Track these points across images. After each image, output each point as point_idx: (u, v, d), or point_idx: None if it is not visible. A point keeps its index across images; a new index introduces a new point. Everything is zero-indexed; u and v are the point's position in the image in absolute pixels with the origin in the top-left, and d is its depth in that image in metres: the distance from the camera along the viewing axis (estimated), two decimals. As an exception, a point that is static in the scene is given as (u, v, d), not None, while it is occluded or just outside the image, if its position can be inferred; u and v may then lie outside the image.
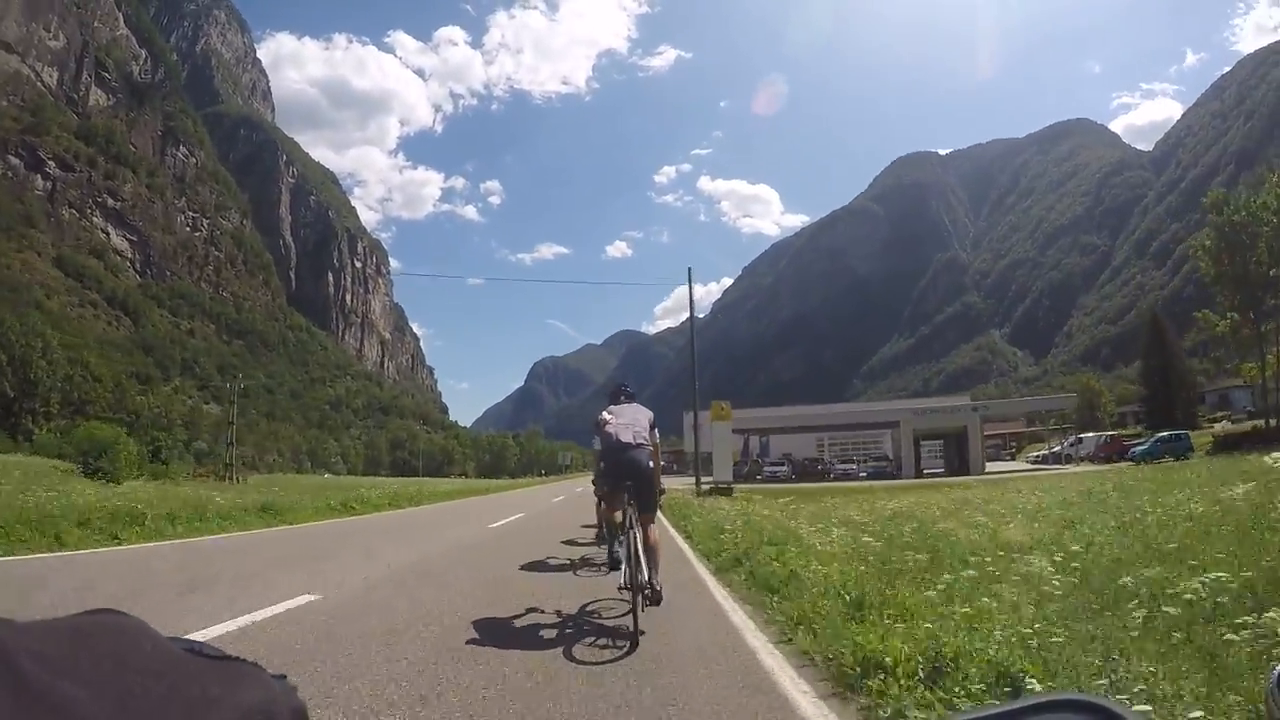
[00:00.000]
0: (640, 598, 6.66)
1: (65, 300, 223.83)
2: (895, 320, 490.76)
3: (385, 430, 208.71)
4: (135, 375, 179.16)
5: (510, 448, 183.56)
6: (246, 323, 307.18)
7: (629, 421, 7.74)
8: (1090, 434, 73.71)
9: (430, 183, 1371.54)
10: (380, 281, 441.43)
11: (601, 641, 6.52)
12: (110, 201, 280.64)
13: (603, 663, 5.84)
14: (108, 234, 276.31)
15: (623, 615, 7.23)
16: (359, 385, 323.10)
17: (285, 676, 0.75)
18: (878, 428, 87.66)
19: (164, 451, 58.33)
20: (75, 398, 72.62)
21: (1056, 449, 75.01)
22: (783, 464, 77.61)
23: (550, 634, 6.88)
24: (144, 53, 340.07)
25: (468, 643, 6.40)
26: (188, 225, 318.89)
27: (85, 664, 0.57)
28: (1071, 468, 57.20)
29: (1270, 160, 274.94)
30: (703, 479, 41.69)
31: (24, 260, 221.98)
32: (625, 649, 6.20)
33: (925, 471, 69.78)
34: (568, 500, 36.57)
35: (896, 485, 43.50)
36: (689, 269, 42.04)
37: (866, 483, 52.87)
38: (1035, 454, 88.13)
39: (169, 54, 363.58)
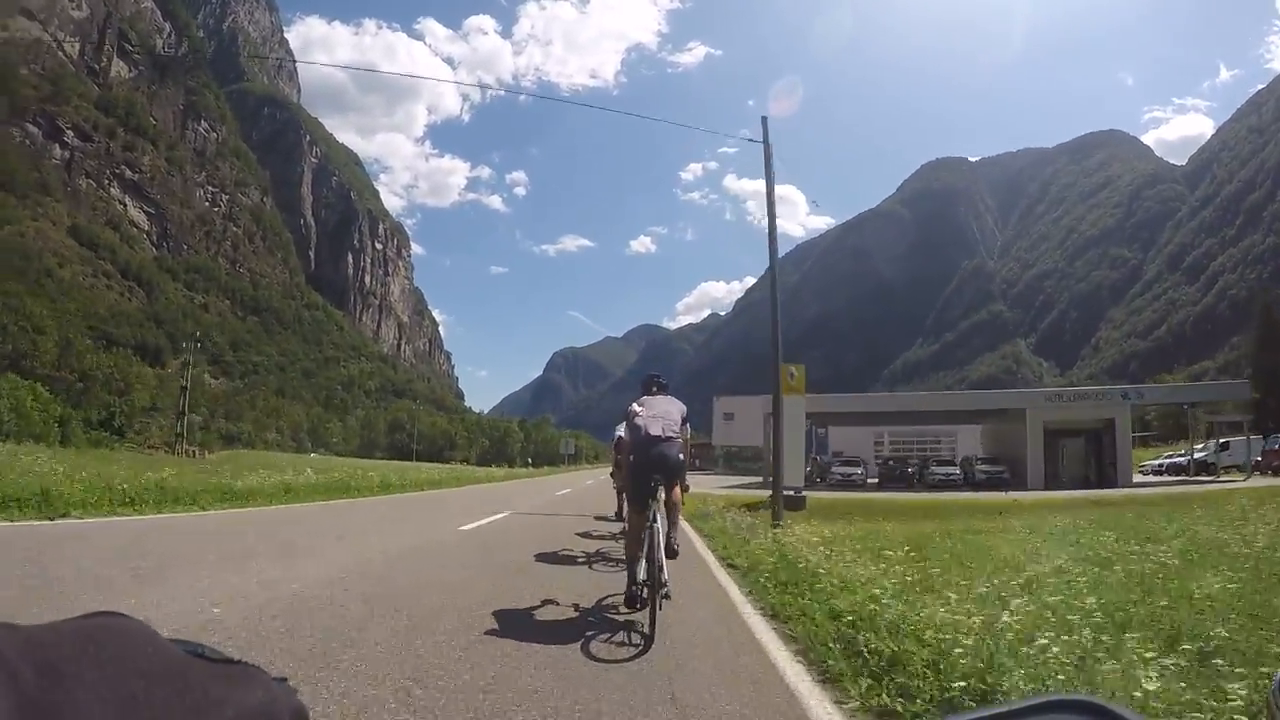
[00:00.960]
0: (658, 598, 6.49)
1: (78, 270, 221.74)
2: (919, 325, 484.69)
3: (385, 410, 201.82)
4: (142, 347, 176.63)
5: (514, 433, 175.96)
6: (262, 299, 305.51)
7: (660, 414, 7.51)
8: (1248, 438, 54.46)
9: (456, 171, 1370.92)
10: (400, 264, 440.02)
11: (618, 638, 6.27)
12: (128, 173, 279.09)
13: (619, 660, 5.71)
14: (125, 205, 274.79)
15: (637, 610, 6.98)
16: (373, 367, 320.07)
17: (286, 679, 0.74)
18: (962, 421, 69.60)
19: (118, 418, 53.83)
20: (9, 350, 66.36)
21: (1183, 456, 59.02)
22: (858, 464, 58.31)
23: (567, 630, 6.53)
24: (168, 26, 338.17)
25: None
26: (206, 200, 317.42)
27: (88, 667, 0.57)
28: (1233, 480, 43.19)
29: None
30: (738, 480, 34.28)
31: (38, 229, 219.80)
32: (641, 647, 6.01)
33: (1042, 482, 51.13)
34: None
35: (1067, 501, 28.93)
36: (764, 118, 23.43)
37: (987, 495, 36.34)
38: (1147, 463, 66.51)
39: (194, 29, 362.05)
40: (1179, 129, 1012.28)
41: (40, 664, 0.54)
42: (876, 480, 55.92)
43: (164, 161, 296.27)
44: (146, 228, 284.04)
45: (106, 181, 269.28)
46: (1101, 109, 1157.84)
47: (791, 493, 27.37)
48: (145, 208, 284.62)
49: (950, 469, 54.83)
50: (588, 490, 33.64)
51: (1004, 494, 34.35)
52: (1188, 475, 52.74)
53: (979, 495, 37.15)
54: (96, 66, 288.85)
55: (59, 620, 0.62)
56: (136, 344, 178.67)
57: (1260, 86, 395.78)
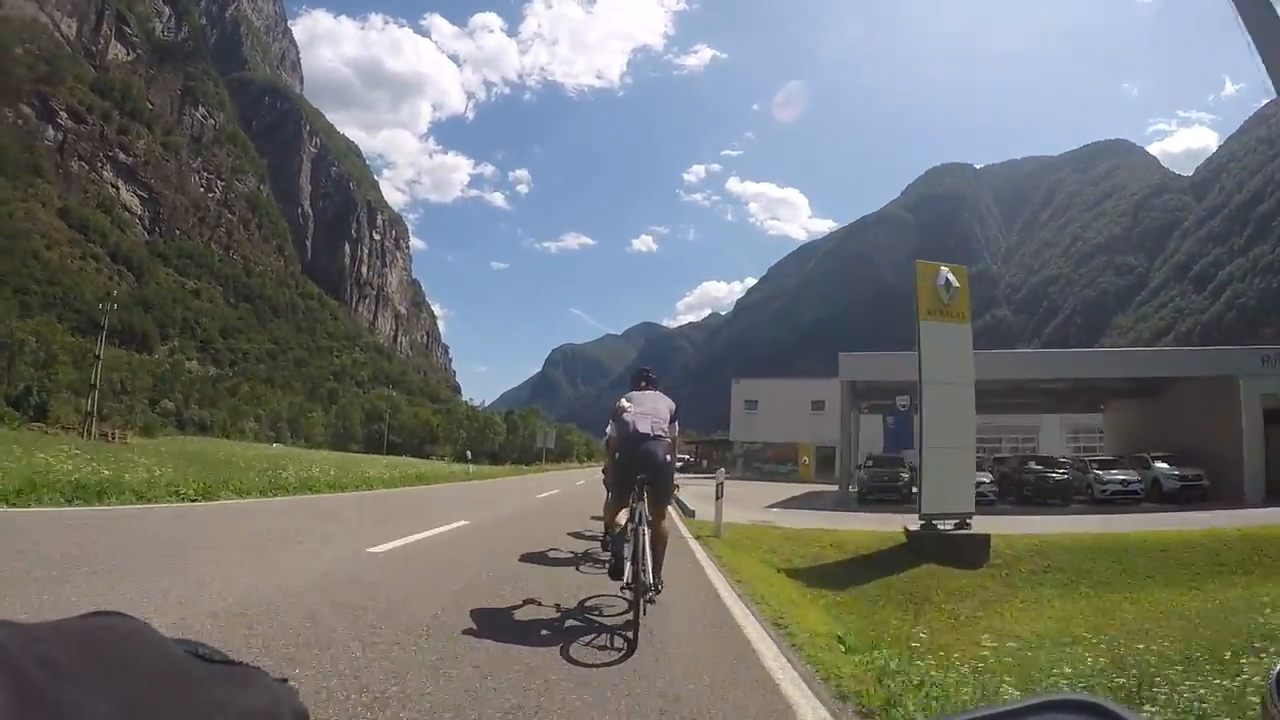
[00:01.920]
0: (642, 600, 6.25)
1: (67, 252, 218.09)
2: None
3: (361, 399, 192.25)
4: (129, 333, 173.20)
5: (495, 425, 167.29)
6: (256, 287, 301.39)
7: (648, 410, 7.19)
8: None
9: (460, 168, 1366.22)
10: (399, 256, 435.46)
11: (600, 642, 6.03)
12: (122, 156, 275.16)
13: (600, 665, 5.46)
14: (117, 189, 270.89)
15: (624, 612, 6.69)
16: (367, 357, 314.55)
17: (288, 680, 0.74)
18: (1046, 407, 52.68)
19: (35, 394, 49.42)
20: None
21: None
22: (984, 471, 34.44)
23: (548, 631, 6.32)
24: (168, 10, 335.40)
25: None
26: (201, 186, 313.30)
27: (91, 668, 0.57)
28: None
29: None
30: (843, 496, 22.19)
31: (28, 209, 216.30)
32: (624, 651, 5.76)
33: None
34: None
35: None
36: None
37: (1236, 517, 21.52)
38: None
39: (195, 14, 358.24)
40: (1183, 141, 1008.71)
41: (43, 663, 0.53)
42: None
43: (159, 146, 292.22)
44: (139, 212, 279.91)
45: (99, 164, 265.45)
46: (1105, 120, 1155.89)
47: (952, 526, 17.86)
48: (138, 192, 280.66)
49: (1128, 475, 34.61)
50: (526, 516, 18.37)
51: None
52: None
53: (1215, 517, 21.38)
54: (93, 48, 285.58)
55: (61, 619, 0.61)
56: (123, 329, 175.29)
57: (1267, 99, 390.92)
